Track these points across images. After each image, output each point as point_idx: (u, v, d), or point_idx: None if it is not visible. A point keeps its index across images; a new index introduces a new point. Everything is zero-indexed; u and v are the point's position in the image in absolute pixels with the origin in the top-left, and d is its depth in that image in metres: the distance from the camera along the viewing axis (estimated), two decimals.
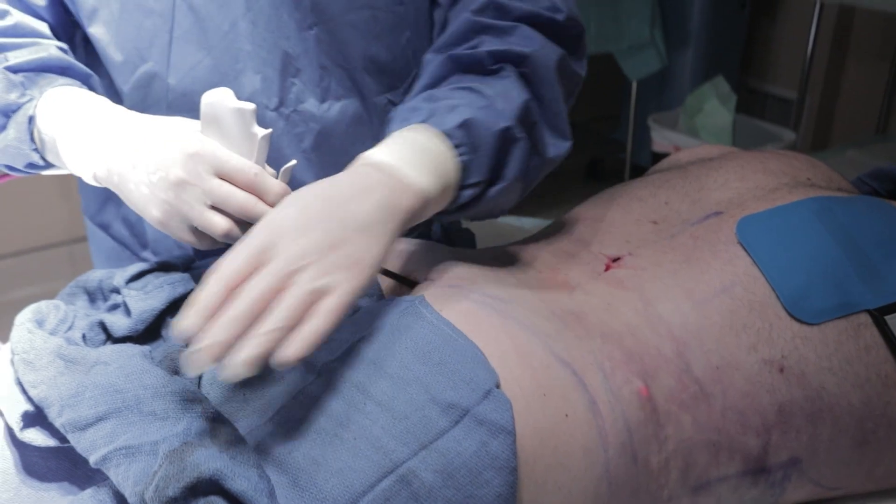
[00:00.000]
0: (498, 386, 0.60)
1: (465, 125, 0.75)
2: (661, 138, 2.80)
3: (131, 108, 0.83)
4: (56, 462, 0.67)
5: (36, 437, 0.65)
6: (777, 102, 3.29)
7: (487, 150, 0.76)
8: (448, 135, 0.74)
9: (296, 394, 0.62)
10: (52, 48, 0.85)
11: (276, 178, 0.73)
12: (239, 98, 0.73)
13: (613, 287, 0.76)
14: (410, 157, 0.71)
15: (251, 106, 0.71)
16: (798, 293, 0.73)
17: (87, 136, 0.75)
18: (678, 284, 0.75)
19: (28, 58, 0.81)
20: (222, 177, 0.68)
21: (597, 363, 0.68)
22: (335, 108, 0.94)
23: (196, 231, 0.70)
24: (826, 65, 3.07)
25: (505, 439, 0.57)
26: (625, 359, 0.69)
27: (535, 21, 0.87)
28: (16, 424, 0.65)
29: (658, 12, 2.86)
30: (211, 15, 0.87)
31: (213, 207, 0.68)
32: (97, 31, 0.89)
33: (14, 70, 0.80)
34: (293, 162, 0.76)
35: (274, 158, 0.83)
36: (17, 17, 0.85)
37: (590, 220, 0.89)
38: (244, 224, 0.67)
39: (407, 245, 0.84)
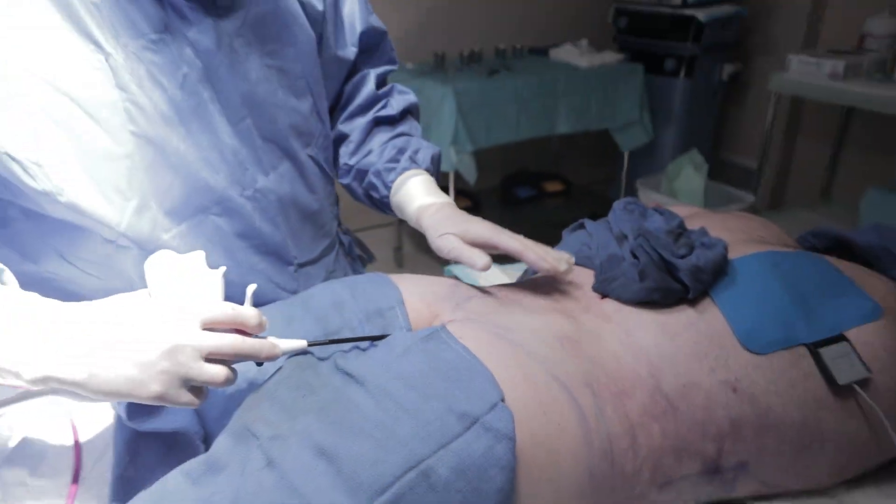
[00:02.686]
0: (503, 400, 0.60)
1: (431, 158, 1.00)
2: (646, 198, 2.79)
3: (113, 239, 0.74)
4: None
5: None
6: (741, 171, 3.27)
7: (436, 165, 1.02)
8: (427, 169, 0.98)
9: (341, 399, 0.61)
10: None
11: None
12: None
13: (602, 320, 0.75)
14: (437, 191, 0.95)
15: (201, 254, 0.65)
16: (750, 328, 0.72)
17: (20, 340, 0.55)
18: (653, 319, 0.74)
19: None
20: (206, 326, 0.57)
21: (587, 383, 0.67)
22: (277, 174, 0.88)
23: (194, 389, 0.57)
24: (781, 142, 3.06)
25: (507, 444, 0.57)
26: (609, 380, 0.69)
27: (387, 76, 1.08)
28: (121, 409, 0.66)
29: (646, 98, 2.86)
30: (167, 141, 0.76)
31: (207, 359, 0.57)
32: (43, 188, 0.69)
33: None
34: (254, 286, 0.65)
35: (258, 231, 0.86)
36: None
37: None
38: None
39: (436, 286, 0.83)
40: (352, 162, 1.01)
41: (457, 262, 0.89)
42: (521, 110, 2.57)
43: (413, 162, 0.96)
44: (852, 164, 2.91)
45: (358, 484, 0.54)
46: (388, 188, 0.96)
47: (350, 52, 0.98)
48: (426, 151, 0.99)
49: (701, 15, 2.74)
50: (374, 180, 0.98)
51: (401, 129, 1.03)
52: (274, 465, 0.56)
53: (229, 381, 0.58)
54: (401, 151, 0.97)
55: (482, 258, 0.78)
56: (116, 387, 0.54)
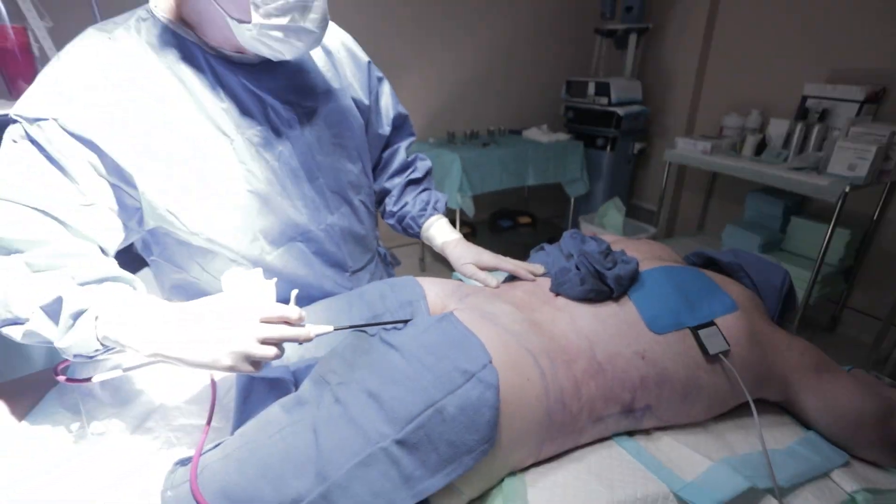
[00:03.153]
0: (490, 362, 0.59)
1: (444, 205, 1.01)
2: (585, 229, 2.76)
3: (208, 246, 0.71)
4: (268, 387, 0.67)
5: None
6: (646, 212, 3.23)
7: (444, 210, 1.01)
8: (443, 213, 1.00)
9: (384, 360, 0.60)
10: (108, 264, 0.63)
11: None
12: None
13: (555, 310, 0.74)
14: (452, 229, 0.97)
15: (259, 270, 0.63)
16: (653, 317, 0.71)
17: (145, 328, 0.55)
18: (590, 310, 0.73)
19: (92, 273, 0.60)
20: (265, 321, 0.54)
21: (546, 352, 0.66)
22: (339, 213, 0.86)
23: (253, 362, 0.54)
24: (671, 193, 3.03)
25: (493, 391, 0.56)
26: (561, 350, 0.67)
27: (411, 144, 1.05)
28: None
29: (585, 163, 2.85)
30: (269, 195, 0.75)
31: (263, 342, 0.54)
32: (189, 228, 0.70)
33: (82, 283, 0.58)
34: (296, 291, 0.62)
35: (326, 251, 0.85)
36: (72, 242, 0.61)
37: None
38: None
39: (446, 285, 0.82)
40: (395, 209, 1.01)
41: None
42: (503, 169, 2.56)
43: (435, 210, 0.99)
44: (716, 208, 2.87)
45: (394, 416, 0.53)
46: (420, 227, 0.98)
47: (385, 130, 0.97)
48: (442, 201, 1.00)
49: (620, 111, 2.72)
50: (410, 223, 0.99)
51: (424, 185, 1.03)
52: (339, 402, 0.56)
53: (278, 357, 0.55)
54: (427, 203, 0.99)
55: (494, 280, 0.82)
56: (203, 363, 0.53)
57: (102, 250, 0.65)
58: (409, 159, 1.03)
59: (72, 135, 0.60)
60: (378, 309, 0.72)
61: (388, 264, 1.10)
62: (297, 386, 0.68)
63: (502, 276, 0.90)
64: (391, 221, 1.03)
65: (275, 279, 0.62)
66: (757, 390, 0.75)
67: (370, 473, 0.51)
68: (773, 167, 2.08)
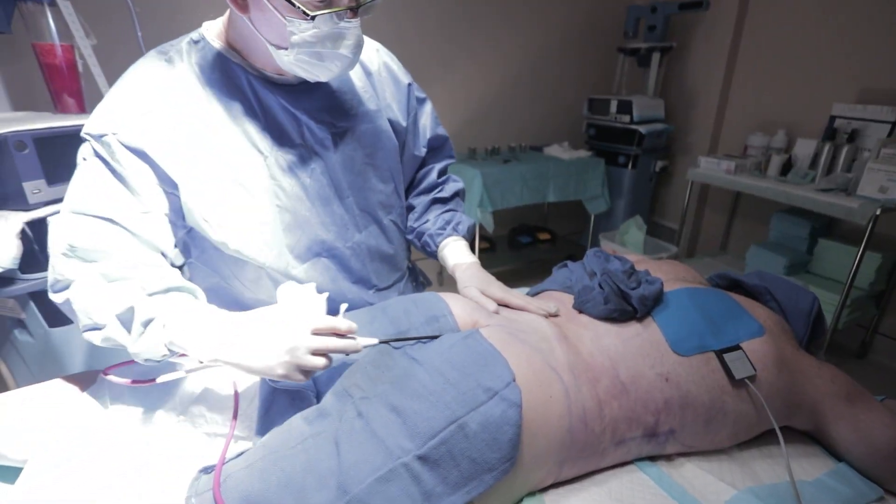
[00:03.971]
0: (514, 380, 0.59)
1: (468, 228, 0.97)
2: (605, 247, 2.74)
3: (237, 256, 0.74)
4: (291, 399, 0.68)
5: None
6: (668, 230, 3.19)
7: (471, 233, 0.97)
8: (463, 236, 0.96)
9: (408, 374, 0.61)
10: (173, 275, 0.68)
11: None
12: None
13: (579, 327, 0.74)
14: (468, 253, 0.92)
15: (312, 285, 0.65)
16: (677, 338, 0.70)
17: (206, 335, 0.60)
18: (613, 329, 0.73)
19: (158, 284, 0.65)
20: (316, 332, 0.58)
21: (570, 369, 0.66)
22: (368, 231, 0.87)
23: (304, 371, 0.58)
24: (694, 211, 2.99)
25: (516, 409, 0.56)
26: (585, 368, 0.67)
27: (448, 167, 1.04)
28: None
29: (606, 180, 2.83)
30: (298, 211, 0.77)
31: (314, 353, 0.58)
32: (219, 238, 0.73)
33: (150, 294, 0.64)
34: (345, 305, 0.67)
35: (352, 268, 0.87)
36: (140, 253, 0.67)
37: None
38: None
39: (472, 302, 0.82)
40: (415, 225, 1.00)
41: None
42: (524, 185, 2.56)
43: (454, 231, 0.96)
44: (740, 228, 2.82)
45: (417, 431, 0.54)
46: (437, 246, 0.95)
47: (421, 151, 0.98)
48: (465, 224, 0.97)
49: (642, 129, 2.71)
50: (428, 240, 0.97)
51: (449, 206, 1.01)
52: (362, 416, 0.56)
53: (327, 367, 0.59)
54: (447, 223, 0.96)
55: (493, 304, 0.78)
56: (258, 370, 0.57)
57: (164, 255, 0.71)
58: (440, 180, 1.02)
59: (128, 148, 0.66)
60: (403, 325, 0.73)
61: (420, 283, 1.09)
62: (318, 398, 0.69)
63: (524, 289, 0.89)
64: (411, 237, 1.03)
65: (326, 293, 0.65)
66: (785, 418, 0.73)
67: (391, 489, 0.51)
68: (799, 188, 2.04)
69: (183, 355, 0.62)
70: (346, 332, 0.60)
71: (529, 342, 0.68)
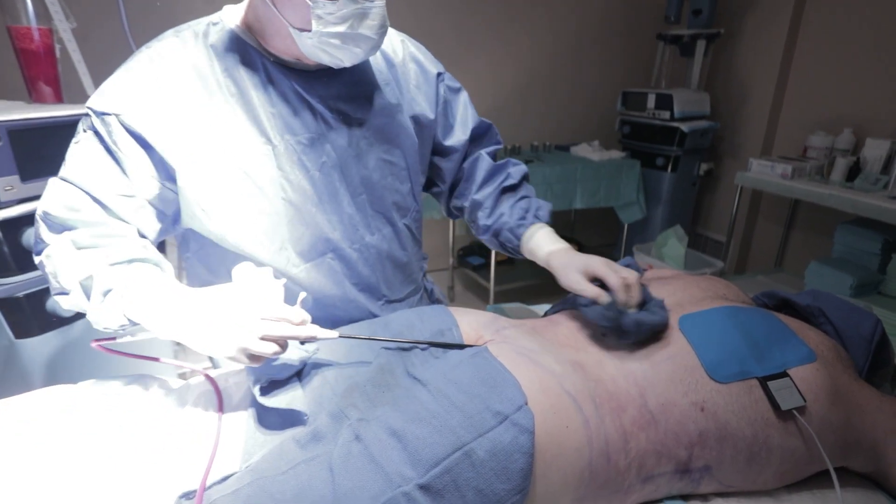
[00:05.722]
0: (526, 403, 0.60)
1: (548, 213, 0.98)
2: (641, 260, 2.75)
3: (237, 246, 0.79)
4: (282, 419, 0.70)
5: (267, 401, 0.69)
6: (713, 243, 3.19)
7: (551, 217, 0.98)
8: (546, 222, 0.97)
9: (410, 395, 0.63)
10: (139, 246, 0.74)
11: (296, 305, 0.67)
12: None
13: (602, 349, 0.75)
14: (558, 238, 0.94)
15: (269, 269, 0.69)
16: (714, 363, 0.71)
17: (160, 311, 0.65)
18: (642, 351, 0.73)
19: (123, 255, 0.71)
20: (264, 318, 0.63)
21: (591, 397, 0.67)
22: (380, 234, 0.91)
23: (251, 356, 0.63)
24: (744, 222, 2.98)
25: (528, 436, 0.58)
26: (608, 396, 0.68)
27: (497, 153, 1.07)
28: (256, 392, 0.69)
29: (641, 185, 2.84)
30: (304, 205, 0.82)
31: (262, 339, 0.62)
32: (217, 229, 0.79)
33: (113, 264, 0.69)
34: (303, 294, 0.73)
35: (359, 273, 0.90)
36: (112, 224, 0.74)
37: None
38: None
39: (481, 316, 0.84)
40: (489, 223, 1.01)
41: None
42: (547, 189, 2.58)
43: (536, 218, 0.96)
44: (798, 242, 2.81)
45: (419, 458, 0.55)
46: (519, 240, 0.96)
47: (460, 141, 1.00)
48: (545, 209, 0.99)
49: (684, 127, 2.73)
50: (508, 234, 0.97)
51: (522, 192, 1.02)
52: (360, 439, 0.58)
53: (277, 353, 0.63)
54: (527, 211, 0.98)
55: (606, 297, 0.77)
56: (207, 350, 0.64)
57: (141, 234, 0.77)
58: (498, 164, 1.04)
59: (128, 130, 0.73)
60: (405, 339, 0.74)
61: (435, 301, 1.10)
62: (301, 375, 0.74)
63: (543, 308, 0.91)
64: (486, 237, 1.03)
65: (283, 280, 0.70)
66: (840, 457, 0.73)
67: None
68: (869, 195, 2.04)
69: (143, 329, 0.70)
70: (297, 323, 0.64)
71: (542, 363, 0.69)
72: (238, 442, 0.68)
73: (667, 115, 2.76)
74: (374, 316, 0.91)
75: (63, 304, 0.72)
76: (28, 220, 1.04)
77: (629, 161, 2.81)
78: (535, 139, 2.99)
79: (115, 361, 1.23)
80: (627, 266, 0.86)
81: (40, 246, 0.74)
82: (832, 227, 2.42)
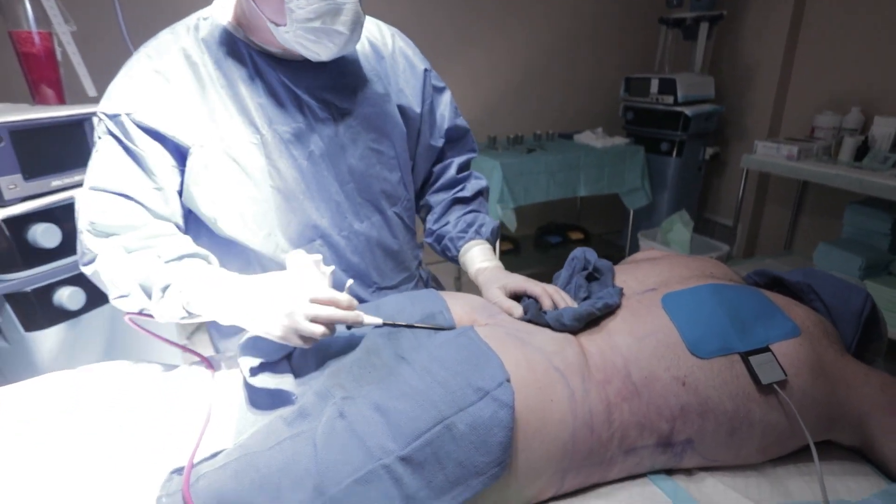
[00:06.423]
0: (508, 380, 0.62)
1: (492, 231, 1.01)
2: (646, 246, 2.74)
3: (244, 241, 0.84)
4: (271, 399, 0.72)
5: (257, 381, 0.72)
6: (721, 227, 3.17)
7: (495, 236, 1.02)
8: (487, 239, 1.00)
9: (395, 373, 0.65)
10: (186, 242, 0.80)
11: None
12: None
13: (590, 325, 0.77)
14: (492, 256, 0.98)
15: (319, 256, 0.74)
16: (696, 339, 0.72)
17: (216, 298, 0.71)
18: (627, 327, 0.75)
19: (173, 252, 0.76)
20: (314, 301, 0.68)
21: (579, 371, 0.69)
22: (369, 222, 0.94)
23: (302, 336, 0.68)
24: (751, 206, 2.96)
25: (508, 411, 0.59)
26: (595, 369, 0.70)
27: (470, 162, 1.10)
28: (247, 374, 0.72)
29: (646, 170, 2.83)
30: (292, 193, 0.84)
31: (312, 321, 0.67)
32: (210, 213, 0.83)
33: (166, 261, 0.75)
34: (350, 281, 0.79)
35: (348, 260, 0.92)
36: (155, 224, 0.79)
37: None
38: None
39: (474, 301, 0.86)
40: (434, 228, 1.06)
41: None
42: (550, 178, 2.58)
43: (477, 234, 1.00)
44: (808, 224, 2.78)
45: (400, 431, 0.58)
46: (458, 251, 1.01)
47: (438, 142, 1.03)
48: (488, 226, 1.02)
49: (688, 111, 2.70)
50: (449, 244, 1.02)
51: (472, 207, 1.06)
52: (343, 416, 0.60)
53: (326, 335, 0.68)
54: (469, 225, 1.02)
55: (519, 310, 0.82)
56: (258, 331, 0.69)
57: (178, 227, 0.83)
58: (460, 176, 1.07)
59: (141, 127, 0.77)
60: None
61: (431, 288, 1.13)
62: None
63: None
64: (430, 241, 1.07)
65: (333, 267, 0.76)
66: (824, 431, 0.74)
67: (370, 491, 0.55)
68: (878, 175, 2.02)
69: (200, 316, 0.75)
70: (346, 307, 0.69)
71: (532, 342, 0.71)
72: (231, 421, 0.70)
73: (670, 99, 2.74)
74: (364, 301, 0.93)
75: (123, 306, 0.78)
76: (32, 217, 1.08)
77: (633, 147, 2.80)
78: (537, 128, 2.99)
79: (125, 351, 1.28)
80: (603, 266, 0.90)
81: (88, 257, 0.78)
82: (841, 209, 2.39)
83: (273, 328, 0.67)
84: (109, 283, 0.76)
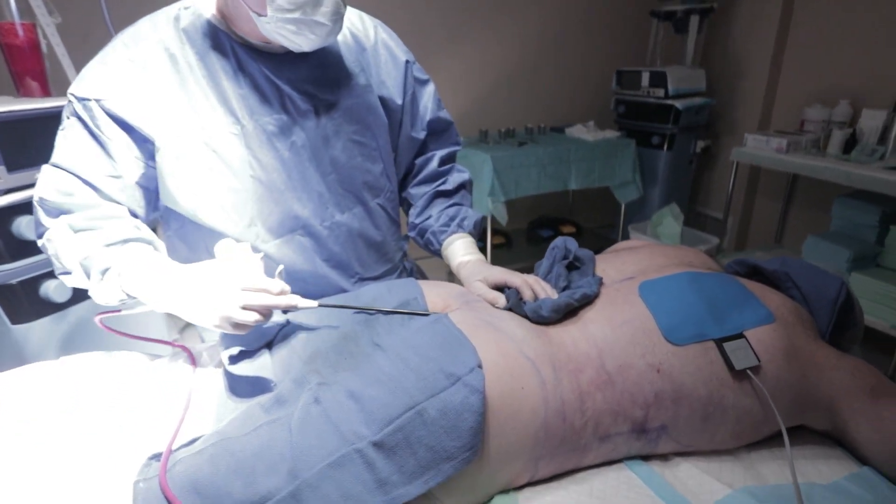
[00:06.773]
0: (480, 366, 0.63)
1: (474, 224, 1.02)
2: (637, 239, 2.75)
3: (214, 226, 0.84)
4: (251, 386, 0.73)
5: (236, 369, 0.73)
6: (711, 220, 3.18)
7: (478, 230, 1.03)
8: (470, 232, 1.01)
9: (369, 361, 0.66)
10: (132, 226, 0.79)
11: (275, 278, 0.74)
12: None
13: (568, 314, 0.77)
14: (474, 249, 0.99)
15: (247, 244, 0.76)
16: (671, 326, 0.73)
17: (153, 286, 0.71)
18: (603, 315, 0.76)
19: (118, 235, 0.76)
20: (245, 290, 0.68)
21: (550, 360, 0.69)
22: (351, 213, 0.94)
23: (235, 324, 0.68)
24: (742, 198, 2.97)
25: (478, 396, 0.60)
26: (567, 359, 0.70)
27: (454, 155, 1.10)
28: (226, 362, 0.73)
29: (637, 164, 2.84)
30: (273, 183, 0.85)
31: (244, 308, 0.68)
32: (189, 206, 0.83)
33: (109, 244, 0.75)
34: (281, 267, 0.80)
35: (330, 251, 0.93)
36: (106, 206, 0.79)
37: None
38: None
39: (452, 289, 0.87)
40: (417, 221, 1.06)
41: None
42: (542, 171, 2.59)
43: (459, 227, 1.01)
44: (798, 217, 2.80)
45: (373, 417, 0.58)
46: (440, 244, 1.01)
47: (420, 134, 1.03)
48: (471, 219, 1.03)
49: (679, 104, 2.71)
50: (431, 238, 1.02)
51: (454, 200, 1.06)
52: (319, 402, 0.61)
53: (260, 322, 0.69)
54: (452, 219, 1.02)
55: (503, 301, 0.83)
56: (195, 320, 0.70)
57: (133, 213, 0.83)
58: (442, 169, 1.07)
59: (109, 115, 0.77)
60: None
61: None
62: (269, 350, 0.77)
63: None
64: (412, 234, 1.08)
65: (261, 254, 0.77)
66: (796, 416, 0.75)
67: (342, 475, 0.55)
68: (865, 167, 2.03)
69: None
70: (277, 294, 0.70)
71: (504, 329, 0.71)
72: (211, 409, 0.71)
73: (661, 92, 2.75)
74: (345, 291, 0.94)
75: (66, 282, 0.79)
76: (16, 209, 1.08)
77: (624, 140, 2.81)
78: (528, 121, 2.99)
79: (113, 343, 1.28)
80: (584, 256, 0.91)
81: (40, 230, 0.79)
82: (830, 202, 2.41)
83: (206, 318, 0.68)
84: (54, 259, 0.77)
